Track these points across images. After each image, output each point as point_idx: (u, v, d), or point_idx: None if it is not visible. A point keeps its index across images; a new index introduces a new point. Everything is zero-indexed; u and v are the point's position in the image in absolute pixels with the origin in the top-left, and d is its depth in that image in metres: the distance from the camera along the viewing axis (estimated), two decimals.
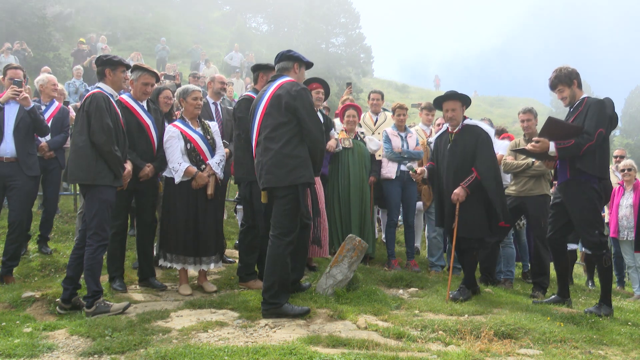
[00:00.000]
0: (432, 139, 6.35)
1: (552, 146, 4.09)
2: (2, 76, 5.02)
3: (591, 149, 4.01)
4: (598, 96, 4.40)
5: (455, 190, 4.50)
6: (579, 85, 4.31)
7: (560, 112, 23.20)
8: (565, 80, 4.26)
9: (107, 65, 4.14)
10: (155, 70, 4.95)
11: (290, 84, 3.90)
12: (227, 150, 5.20)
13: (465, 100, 4.70)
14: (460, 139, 4.62)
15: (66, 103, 7.62)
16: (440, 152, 4.82)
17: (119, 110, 4.18)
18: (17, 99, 4.77)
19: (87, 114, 3.94)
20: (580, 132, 4.03)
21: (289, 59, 4.09)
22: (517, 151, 4.54)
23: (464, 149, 4.56)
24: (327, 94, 5.54)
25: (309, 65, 4.23)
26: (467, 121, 4.70)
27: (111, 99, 4.10)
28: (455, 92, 4.73)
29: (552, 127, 4.14)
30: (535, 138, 4.25)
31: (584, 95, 4.27)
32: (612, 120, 4.14)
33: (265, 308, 3.73)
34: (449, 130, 4.77)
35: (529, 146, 4.26)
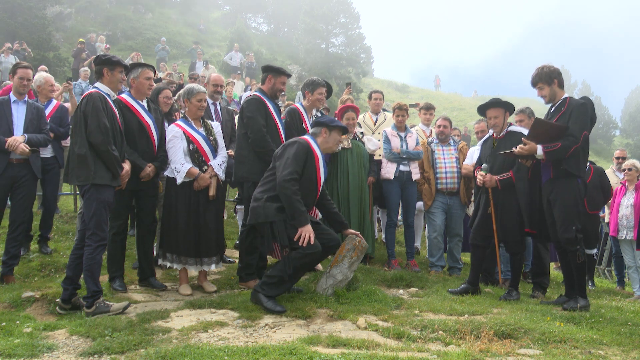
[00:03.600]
0: (431, 139, 6.39)
1: (539, 149, 4.22)
2: (10, 74, 5.03)
3: (576, 151, 4.19)
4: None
5: (488, 176, 4.71)
6: (560, 85, 4.43)
7: None
8: (545, 78, 4.41)
9: (105, 65, 4.14)
10: (153, 66, 4.97)
11: None
12: (230, 151, 5.19)
13: (508, 107, 4.90)
14: (503, 144, 4.77)
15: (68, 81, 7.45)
16: (484, 156, 4.99)
17: (116, 110, 4.17)
18: (17, 152, 4.73)
19: (83, 114, 3.94)
20: (565, 132, 4.17)
21: (317, 125, 4.38)
22: (503, 154, 4.58)
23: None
24: (329, 93, 5.58)
25: (343, 130, 4.44)
26: (511, 127, 4.90)
27: (108, 98, 4.10)
28: (498, 99, 4.95)
29: (539, 129, 4.24)
30: (523, 139, 4.33)
31: (566, 95, 4.40)
32: (592, 121, 4.35)
33: (256, 289, 3.99)
34: (494, 135, 4.97)
35: (517, 149, 4.33)
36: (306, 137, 4.32)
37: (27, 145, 4.75)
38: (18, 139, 4.73)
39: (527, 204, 4.59)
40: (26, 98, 5.01)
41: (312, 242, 3.91)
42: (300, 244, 3.91)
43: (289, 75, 5.10)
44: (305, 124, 5.13)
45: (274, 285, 3.97)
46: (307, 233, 3.91)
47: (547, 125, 4.25)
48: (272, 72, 4.95)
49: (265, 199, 4.06)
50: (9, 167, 4.77)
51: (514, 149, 4.39)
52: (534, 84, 4.50)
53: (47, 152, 5.44)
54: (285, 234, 3.98)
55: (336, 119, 4.54)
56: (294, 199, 3.93)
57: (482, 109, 4.98)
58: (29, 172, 4.85)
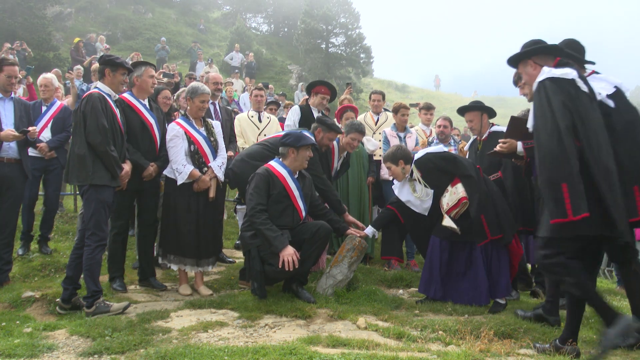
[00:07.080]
0: (431, 138, 6.39)
1: (519, 146, 4.20)
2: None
3: None
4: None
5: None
6: None
7: None
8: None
9: (108, 65, 4.15)
10: (153, 64, 4.96)
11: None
12: (230, 152, 5.19)
13: (484, 110, 4.93)
14: (487, 145, 4.76)
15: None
16: (471, 159, 5.00)
17: (117, 110, 4.17)
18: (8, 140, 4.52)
19: (83, 114, 3.94)
20: None
21: (284, 146, 4.32)
22: (489, 154, 4.58)
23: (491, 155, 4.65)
24: (333, 97, 5.66)
25: (312, 145, 4.41)
26: (493, 128, 4.91)
27: (108, 99, 4.09)
28: (470, 104, 4.96)
29: (516, 127, 4.16)
30: (501, 140, 4.30)
31: None
32: None
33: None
34: (478, 138, 5.00)
35: (497, 147, 4.33)
36: (270, 162, 4.36)
37: (14, 131, 4.50)
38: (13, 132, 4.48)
39: (518, 202, 4.57)
40: (12, 95, 4.81)
41: (296, 265, 3.93)
42: (287, 269, 3.92)
43: (341, 132, 5.02)
44: None
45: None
46: (288, 257, 3.92)
47: (524, 122, 4.22)
48: (323, 126, 4.88)
49: (242, 228, 4.40)
50: None
51: (496, 147, 4.36)
52: (515, 82, 4.43)
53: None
54: (259, 259, 4.08)
55: (306, 136, 4.44)
56: (264, 229, 4.02)
57: (461, 113, 5.03)
58: (19, 173, 4.71)
